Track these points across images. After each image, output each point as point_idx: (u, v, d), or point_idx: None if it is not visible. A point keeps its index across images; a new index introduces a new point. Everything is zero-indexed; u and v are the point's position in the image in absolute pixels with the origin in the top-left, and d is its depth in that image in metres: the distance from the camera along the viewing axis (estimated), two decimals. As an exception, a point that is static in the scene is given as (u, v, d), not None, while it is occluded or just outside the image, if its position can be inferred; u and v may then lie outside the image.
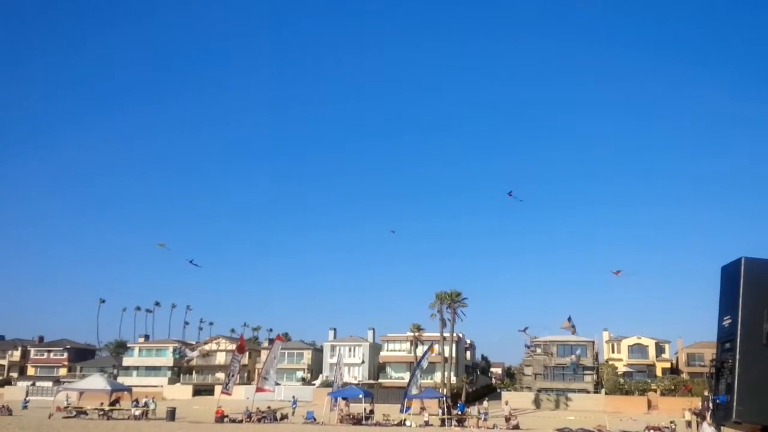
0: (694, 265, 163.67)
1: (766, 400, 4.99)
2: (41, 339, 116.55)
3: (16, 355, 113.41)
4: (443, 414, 52.69)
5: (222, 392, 54.87)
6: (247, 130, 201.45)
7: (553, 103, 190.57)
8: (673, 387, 77.67)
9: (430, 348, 61.20)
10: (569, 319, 58.08)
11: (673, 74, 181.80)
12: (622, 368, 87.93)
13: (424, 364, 57.70)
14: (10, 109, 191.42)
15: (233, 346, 75.86)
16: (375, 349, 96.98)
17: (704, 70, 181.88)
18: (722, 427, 5.55)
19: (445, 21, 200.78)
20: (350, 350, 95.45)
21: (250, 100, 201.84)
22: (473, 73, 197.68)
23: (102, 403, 50.37)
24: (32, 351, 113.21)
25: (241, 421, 47.87)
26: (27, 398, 72.04)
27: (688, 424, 48.38)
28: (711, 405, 5.56)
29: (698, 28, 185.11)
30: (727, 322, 5.39)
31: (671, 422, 49.19)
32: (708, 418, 25.72)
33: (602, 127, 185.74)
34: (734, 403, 5.02)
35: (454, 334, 79.83)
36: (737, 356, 5.09)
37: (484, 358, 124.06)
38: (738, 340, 5.12)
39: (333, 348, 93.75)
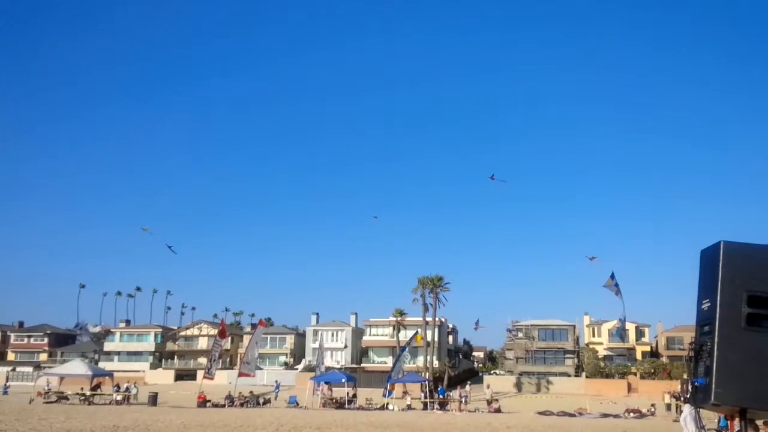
0: (674, 250, 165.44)
1: (744, 383, 5.02)
2: (21, 324, 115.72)
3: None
4: (425, 398, 53.00)
5: (204, 377, 54.85)
6: (230, 120, 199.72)
7: (531, 94, 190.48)
8: (652, 370, 78.65)
9: (416, 335, 61.52)
10: (612, 276, 54.13)
11: (667, 66, 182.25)
12: (602, 352, 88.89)
13: (408, 348, 58.04)
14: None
15: (215, 331, 75.85)
16: (358, 333, 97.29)
17: (697, 60, 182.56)
18: (701, 409, 5.59)
19: (441, 13, 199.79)
20: (333, 335, 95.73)
21: (242, 91, 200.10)
22: (477, 66, 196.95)
23: (83, 388, 50.19)
24: (12, 336, 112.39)
25: (223, 406, 47.92)
26: (7, 383, 71.63)
27: (668, 407, 48.88)
28: (690, 388, 5.60)
29: (686, 17, 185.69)
30: (706, 306, 5.42)
31: (651, 405, 49.85)
32: (687, 400, 26.07)
33: (580, 117, 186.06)
34: (713, 386, 5.05)
35: (437, 319, 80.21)
36: (716, 339, 5.11)
37: (466, 342, 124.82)
38: (717, 323, 5.14)
39: (316, 333, 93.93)
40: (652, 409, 48.65)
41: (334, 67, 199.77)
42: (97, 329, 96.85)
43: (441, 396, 54.16)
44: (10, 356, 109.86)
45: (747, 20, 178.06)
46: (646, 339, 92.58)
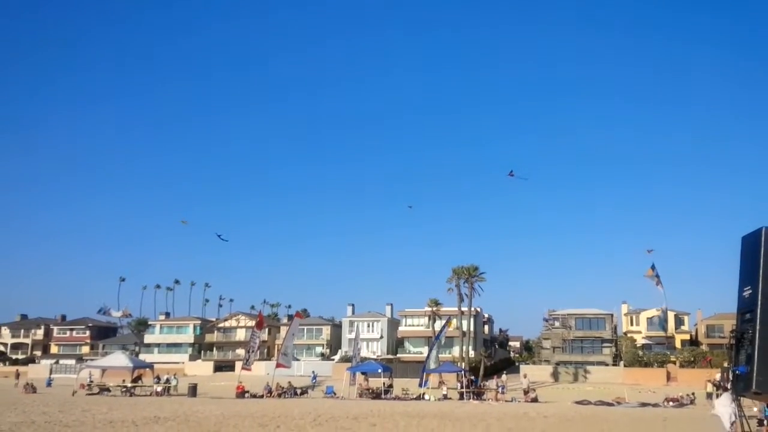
0: (714, 236, 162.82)
1: (787, 371, 4.93)
2: (63, 318, 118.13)
3: (40, 333, 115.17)
4: (461, 388, 52.90)
5: (242, 368, 55.46)
6: (275, 113, 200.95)
7: (570, 87, 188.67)
8: (692, 359, 77.45)
9: (448, 322, 61.21)
10: (653, 267, 53.68)
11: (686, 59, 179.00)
12: (640, 340, 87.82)
13: (443, 337, 57.87)
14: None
15: (253, 323, 76.51)
16: (393, 324, 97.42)
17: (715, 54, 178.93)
18: (741, 398, 5.50)
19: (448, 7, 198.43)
20: (369, 326, 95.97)
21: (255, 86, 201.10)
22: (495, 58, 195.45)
23: (124, 380, 50.98)
24: (55, 330, 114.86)
25: (262, 396, 48.35)
26: (51, 376, 73.13)
27: (709, 395, 47.91)
28: (731, 376, 5.51)
29: (704, 13, 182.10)
30: (747, 293, 5.34)
31: (691, 393, 49.07)
32: (727, 389, 25.60)
33: (622, 109, 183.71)
34: (754, 374, 4.98)
35: (472, 309, 79.88)
36: (757, 326, 5.03)
37: (502, 331, 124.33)
38: (758, 310, 5.06)
39: (351, 323, 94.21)
40: (692, 397, 47.88)
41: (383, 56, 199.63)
42: (119, 313, 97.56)
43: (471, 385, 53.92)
44: (53, 349, 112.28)
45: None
46: (685, 327, 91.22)
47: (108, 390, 49.85)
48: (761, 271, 5.12)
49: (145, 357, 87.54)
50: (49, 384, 64.63)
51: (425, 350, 75.10)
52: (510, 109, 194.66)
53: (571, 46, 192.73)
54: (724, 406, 19.06)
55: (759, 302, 5.08)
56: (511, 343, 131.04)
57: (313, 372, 70.12)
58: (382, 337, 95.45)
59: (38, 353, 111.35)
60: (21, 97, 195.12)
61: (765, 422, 23.83)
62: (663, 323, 70.70)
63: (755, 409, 20.77)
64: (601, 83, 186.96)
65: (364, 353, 77.77)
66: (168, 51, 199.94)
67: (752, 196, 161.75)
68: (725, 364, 53.85)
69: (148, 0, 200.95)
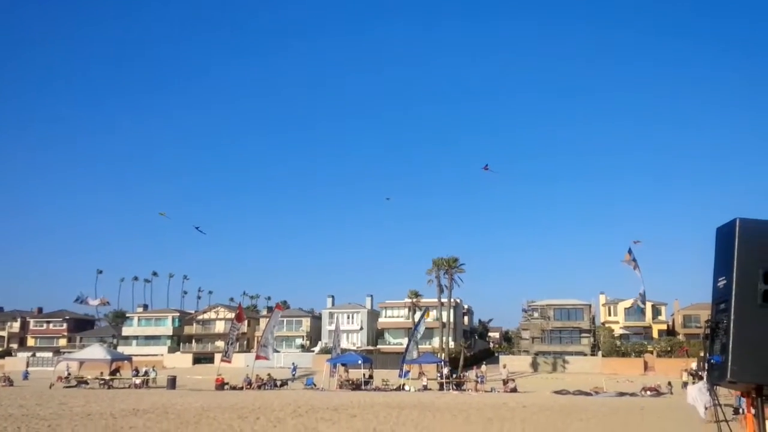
0: (690, 228, 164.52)
1: (760, 360, 5.00)
2: (40, 310, 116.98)
3: (16, 326, 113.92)
4: (441, 378, 53.14)
5: (222, 360, 55.36)
6: (254, 108, 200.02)
7: (549, 83, 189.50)
8: (669, 348, 78.41)
9: (426, 312, 61.48)
10: (630, 252, 54.00)
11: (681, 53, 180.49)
12: (618, 331, 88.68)
13: (421, 329, 58.07)
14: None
15: (232, 315, 76.35)
16: (373, 315, 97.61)
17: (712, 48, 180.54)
18: (716, 387, 5.56)
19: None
20: (348, 317, 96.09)
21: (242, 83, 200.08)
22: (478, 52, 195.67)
23: (102, 373, 50.72)
24: (32, 322, 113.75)
25: (241, 389, 48.30)
26: (28, 369, 72.54)
27: (685, 384, 48.45)
28: (706, 365, 5.57)
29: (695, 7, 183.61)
30: (721, 283, 5.38)
31: (668, 383, 49.65)
32: (701, 378, 25.97)
33: (596, 101, 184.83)
34: (729, 363, 5.02)
35: (452, 300, 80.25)
36: (732, 316, 5.08)
37: (481, 322, 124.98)
38: (733, 300, 5.11)
39: (331, 315, 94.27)
40: (671, 387, 48.46)
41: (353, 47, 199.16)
42: (97, 302, 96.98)
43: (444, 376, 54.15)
44: (30, 342, 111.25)
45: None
46: (662, 317, 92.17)
47: (86, 383, 49.57)
48: (735, 262, 5.16)
49: (123, 349, 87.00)
50: (25, 377, 64.13)
51: (405, 341, 75.39)
52: (488, 102, 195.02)
53: (538, 42, 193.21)
54: (698, 393, 19.30)
55: (733, 293, 5.13)
56: (490, 334, 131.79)
57: (293, 364, 70.12)
58: (362, 328, 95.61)
59: (14, 346, 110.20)
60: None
61: (740, 410, 24.31)
62: (641, 308, 71.31)
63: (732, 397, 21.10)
64: (584, 75, 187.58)
65: (344, 345, 77.87)
66: (162, 47, 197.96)
67: (727, 187, 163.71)
68: (701, 354, 54.50)
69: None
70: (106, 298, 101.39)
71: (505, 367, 60.13)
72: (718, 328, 5.25)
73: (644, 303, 66.83)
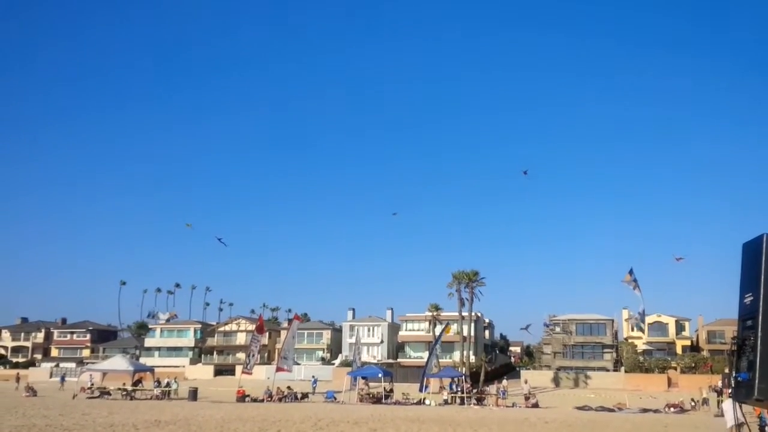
0: (714, 244, 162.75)
1: (788, 378, 4.95)
2: (64, 321, 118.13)
3: (40, 336, 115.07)
4: (453, 392, 52.75)
5: (243, 372, 55.43)
6: (272, 117, 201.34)
7: (573, 92, 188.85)
8: (693, 365, 77.42)
9: (446, 327, 61.34)
10: (631, 272, 55.32)
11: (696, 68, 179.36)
12: (641, 346, 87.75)
13: (440, 342, 57.94)
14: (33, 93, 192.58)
15: (253, 327, 76.52)
16: (394, 328, 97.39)
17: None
18: (743, 404, 5.51)
19: (462, 11, 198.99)
20: (369, 330, 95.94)
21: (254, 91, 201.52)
22: (489, 62, 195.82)
23: (125, 384, 50.94)
24: (55, 333, 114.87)
25: (262, 401, 48.33)
26: (64, 375, 73.59)
27: (705, 401, 47.77)
28: (732, 382, 5.51)
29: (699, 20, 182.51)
30: (748, 300, 5.33)
31: (692, 399, 48.95)
32: (728, 395, 25.63)
33: (626, 114, 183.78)
34: (756, 381, 4.97)
35: (473, 314, 79.87)
36: (759, 333, 5.03)
37: (503, 337, 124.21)
38: (760, 317, 5.06)
39: (352, 328, 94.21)
40: (693, 403, 47.83)
41: (373, 63, 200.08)
42: (166, 316, 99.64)
43: (451, 390, 53.73)
44: (54, 352, 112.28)
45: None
46: (686, 333, 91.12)
47: (108, 393, 49.80)
48: (763, 278, 5.12)
49: (145, 360, 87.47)
50: (63, 381, 64.42)
51: (426, 355, 75.16)
52: (513, 114, 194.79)
53: (558, 52, 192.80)
54: (730, 407, 19.12)
55: (761, 309, 5.08)
56: (511, 348, 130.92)
57: (314, 376, 70.00)
58: (382, 341, 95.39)
59: (38, 356, 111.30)
60: (23, 100, 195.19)
61: (765, 428, 24.09)
62: (640, 324, 71.38)
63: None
64: (607, 87, 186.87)
65: (364, 358, 77.72)
66: (172, 54, 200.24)
67: (751, 203, 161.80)
68: (726, 370, 53.77)
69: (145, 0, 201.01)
70: (174, 312, 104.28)
71: (526, 382, 59.70)
72: (744, 345, 5.20)
73: (644, 321, 67.33)
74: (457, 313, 77.69)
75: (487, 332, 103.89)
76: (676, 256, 69.81)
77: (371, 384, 54.22)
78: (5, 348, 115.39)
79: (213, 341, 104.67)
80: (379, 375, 53.27)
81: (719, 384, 47.48)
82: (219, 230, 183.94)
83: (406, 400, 49.68)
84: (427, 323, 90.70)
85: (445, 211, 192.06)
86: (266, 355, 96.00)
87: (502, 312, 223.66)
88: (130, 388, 49.80)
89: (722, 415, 21.14)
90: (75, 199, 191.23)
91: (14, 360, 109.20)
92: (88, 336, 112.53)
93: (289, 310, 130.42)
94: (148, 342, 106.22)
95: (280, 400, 49.62)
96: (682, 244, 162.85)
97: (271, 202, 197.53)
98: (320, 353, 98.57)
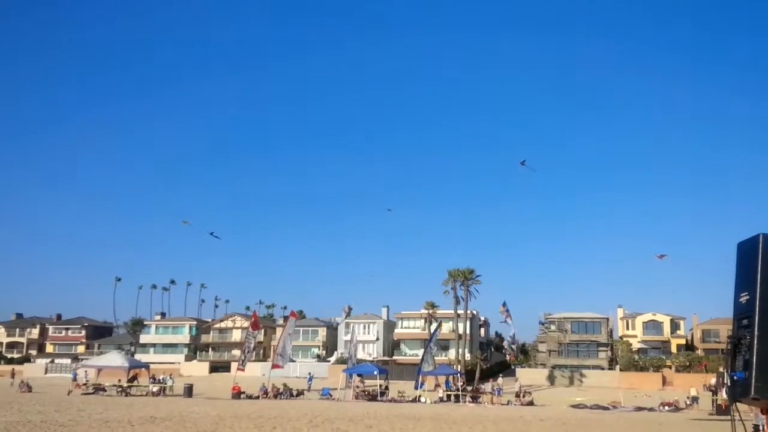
0: (708, 243, 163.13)
1: (784, 377, 4.97)
2: (59, 317, 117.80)
3: (35, 332, 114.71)
4: (448, 389, 52.85)
5: (237, 369, 55.46)
6: (264, 118, 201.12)
7: (573, 93, 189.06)
8: (688, 363, 77.65)
9: (440, 325, 61.44)
10: (504, 304, 61.47)
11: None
12: (636, 345, 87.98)
13: (435, 340, 58.05)
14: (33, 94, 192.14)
15: (248, 324, 76.56)
16: (389, 326, 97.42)
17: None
18: (737, 403, 5.53)
19: (464, 11, 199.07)
20: (365, 327, 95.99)
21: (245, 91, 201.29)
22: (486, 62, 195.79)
23: (120, 380, 50.97)
24: (50, 329, 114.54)
25: (257, 398, 48.36)
26: (75, 369, 73.51)
27: (695, 400, 47.92)
28: (728, 381, 5.54)
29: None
30: (744, 299, 5.35)
31: (687, 398, 49.07)
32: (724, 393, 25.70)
33: (619, 115, 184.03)
34: (752, 380, 5.00)
35: (468, 311, 79.93)
36: (755, 333, 5.06)
37: (498, 335, 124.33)
38: (756, 316, 5.08)
39: (348, 325, 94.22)
40: (688, 402, 47.99)
41: (371, 63, 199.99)
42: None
43: (447, 388, 53.87)
44: (49, 348, 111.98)
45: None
46: (681, 332, 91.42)
47: (104, 390, 49.80)
48: (759, 278, 5.14)
49: (140, 357, 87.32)
50: (74, 377, 64.44)
51: (421, 352, 75.26)
52: (508, 115, 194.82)
53: (562, 53, 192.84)
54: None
55: (757, 308, 5.11)
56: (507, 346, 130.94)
57: (309, 373, 70.08)
58: (378, 339, 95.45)
59: (33, 352, 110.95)
60: (19, 101, 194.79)
61: (761, 428, 23.99)
62: (511, 347, 74.50)
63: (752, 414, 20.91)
64: (601, 91, 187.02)
65: (360, 355, 77.78)
66: (170, 51, 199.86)
67: (745, 202, 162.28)
68: (721, 369, 53.93)
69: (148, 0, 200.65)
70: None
71: (517, 380, 59.80)
72: (740, 344, 5.22)
73: (514, 344, 71.39)
74: (452, 311, 77.75)
75: (482, 330, 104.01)
76: (657, 254, 70.35)
77: (367, 381, 54.26)
78: (0, 344, 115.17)
79: (208, 338, 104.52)
80: (375, 372, 53.32)
81: (713, 382, 47.54)
82: (215, 227, 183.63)
83: (401, 397, 49.74)
84: (422, 321, 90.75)
85: (441, 210, 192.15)
86: (261, 352, 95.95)
87: (498, 310, 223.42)
88: (125, 384, 49.82)
89: (717, 414, 21.13)
90: (70, 194, 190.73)
91: (9, 356, 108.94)
92: (84, 332, 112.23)
93: (285, 308, 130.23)
94: (143, 338, 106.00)
95: (275, 397, 49.66)
96: (679, 243, 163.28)
97: (267, 200, 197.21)
98: (316, 350, 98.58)
